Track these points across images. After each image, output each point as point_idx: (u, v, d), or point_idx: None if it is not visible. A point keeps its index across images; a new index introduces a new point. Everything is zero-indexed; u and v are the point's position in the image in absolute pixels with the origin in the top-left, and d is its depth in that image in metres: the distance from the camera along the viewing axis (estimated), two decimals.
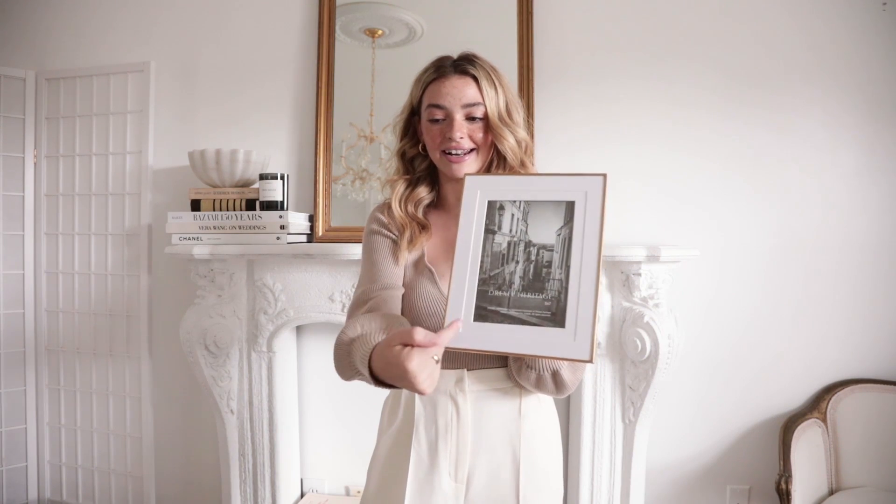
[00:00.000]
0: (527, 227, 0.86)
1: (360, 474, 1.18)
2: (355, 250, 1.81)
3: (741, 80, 1.94)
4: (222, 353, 1.96)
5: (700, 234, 1.96)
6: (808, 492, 1.76)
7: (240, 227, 1.92)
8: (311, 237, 2.05)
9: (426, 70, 1.07)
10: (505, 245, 0.86)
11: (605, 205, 0.83)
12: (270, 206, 1.91)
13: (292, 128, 2.13)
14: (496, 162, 1.08)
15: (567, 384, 0.97)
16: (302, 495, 2.18)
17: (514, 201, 0.88)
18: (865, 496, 1.76)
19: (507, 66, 1.92)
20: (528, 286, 0.83)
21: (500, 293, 0.84)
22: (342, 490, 2.18)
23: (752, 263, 1.96)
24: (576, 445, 1.92)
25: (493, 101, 1.03)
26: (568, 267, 0.82)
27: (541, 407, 1.09)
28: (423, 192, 1.12)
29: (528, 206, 0.87)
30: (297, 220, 1.96)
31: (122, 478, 2.24)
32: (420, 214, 1.11)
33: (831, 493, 1.82)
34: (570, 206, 0.84)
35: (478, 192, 0.90)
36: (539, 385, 0.98)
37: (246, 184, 2.00)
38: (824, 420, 1.87)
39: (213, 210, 1.95)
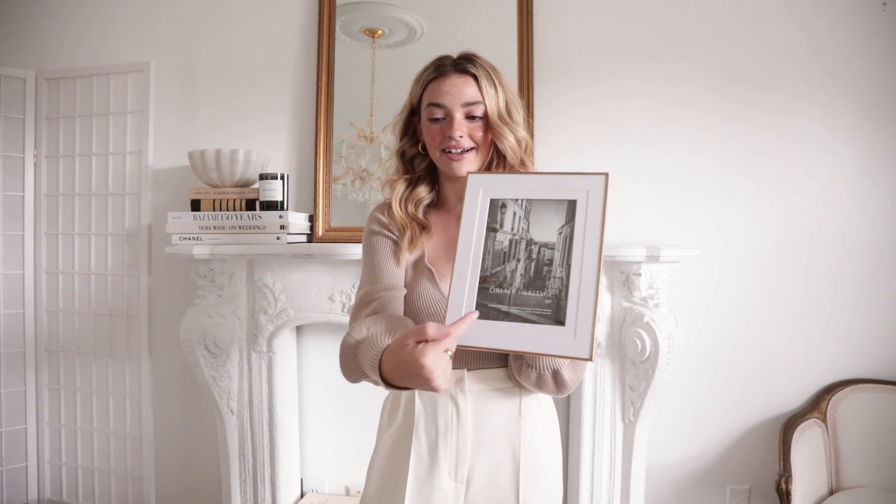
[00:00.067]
0: (528, 226, 0.86)
1: (360, 474, 1.18)
2: (355, 250, 1.81)
3: (741, 79, 1.94)
4: (222, 353, 1.96)
5: (700, 234, 1.96)
6: (808, 492, 1.76)
7: (240, 227, 1.92)
8: (311, 237, 2.05)
9: (426, 69, 1.07)
10: (506, 243, 0.87)
11: (607, 204, 0.83)
12: (270, 206, 1.91)
13: (292, 128, 2.13)
14: (496, 161, 1.08)
15: (567, 383, 0.97)
16: (302, 495, 2.18)
17: (516, 199, 0.88)
18: (865, 496, 1.76)
19: (507, 66, 1.92)
20: (529, 284, 0.83)
21: (501, 291, 0.84)
22: (342, 490, 2.18)
23: (752, 263, 1.96)
24: (576, 445, 1.92)
25: (492, 100, 1.03)
26: (569, 265, 0.82)
27: (540, 407, 1.09)
28: (423, 192, 1.12)
29: (529, 205, 0.87)
30: (297, 220, 1.96)
31: (122, 478, 2.24)
32: (420, 214, 1.11)
33: (831, 493, 1.82)
34: (571, 204, 0.85)
35: (480, 190, 0.90)
36: (539, 384, 0.97)
37: (246, 184, 2.00)
38: (824, 420, 1.87)
39: (213, 210, 1.95)
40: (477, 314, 0.83)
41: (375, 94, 2.06)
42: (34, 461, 2.30)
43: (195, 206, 1.96)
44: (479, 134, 1.04)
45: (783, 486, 1.64)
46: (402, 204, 1.10)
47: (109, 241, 2.21)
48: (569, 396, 1.93)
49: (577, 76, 2.00)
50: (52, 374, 2.29)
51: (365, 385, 0.98)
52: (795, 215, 1.94)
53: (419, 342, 0.76)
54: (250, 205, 1.95)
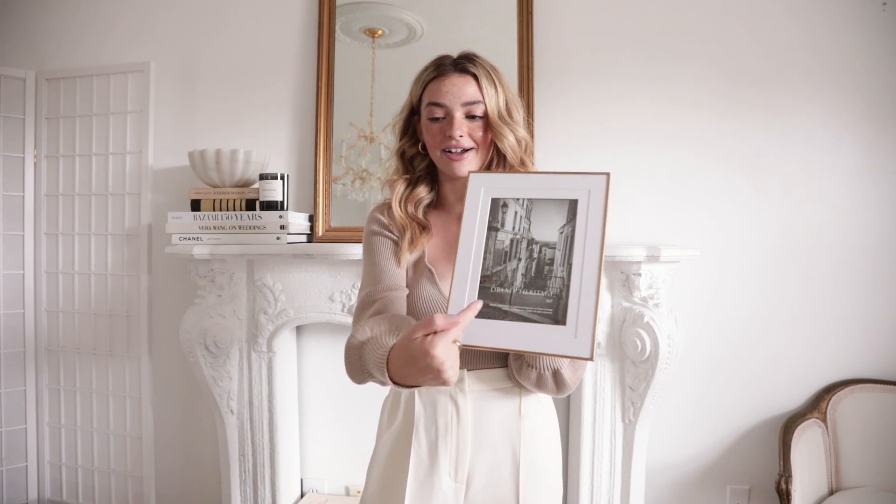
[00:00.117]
0: (530, 225, 0.86)
1: (360, 474, 1.18)
2: (355, 250, 1.81)
3: (741, 79, 1.94)
4: (222, 353, 1.96)
5: (700, 234, 1.96)
6: (808, 492, 1.76)
7: (240, 227, 1.92)
8: (311, 237, 2.05)
9: (426, 69, 1.07)
10: (508, 242, 0.87)
11: (608, 204, 0.83)
12: (270, 206, 1.91)
13: (292, 128, 2.13)
14: (496, 161, 1.08)
15: (567, 383, 0.97)
16: (302, 495, 2.18)
17: (518, 199, 0.88)
18: (865, 496, 1.76)
19: (507, 66, 1.92)
20: (530, 283, 0.83)
21: (502, 290, 0.84)
22: (342, 490, 2.18)
23: (752, 263, 1.96)
24: (576, 445, 1.92)
25: (493, 100, 1.03)
26: (570, 265, 0.82)
27: (540, 407, 1.09)
28: (423, 192, 1.12)
29: (531, 204, 0.87)
30: (297, 220, 1.96)
31: (122, 478, 2.24)
32: (420, 215, 1.11)
33: (831, 493, 1.82)
34: (573, 204, 0.85)
35: (481, 189, 0.90)
36: (539, 384, 0.97)
37: (246, 184, 2.00)
38: (824, 420, 1.87)
39: (213, 210, 1.95)
40: (481, 302, 0.83)
41: (375, 94, 2.06)
42: (34, 461, 2.30)
43: (195, 206, 1.96)
44: (479, 134, 1.04)
45: (783, 486, 1.64)
46: (402, 204, 1.10)
47: (109, 241, 2.21)
48: (569, 396, 1.93)
49: (577, 76, 2.00)
50: (52, 374, 2.29)
51: (365, 385, 0.98)
52: (795, 215, 1.94)
53: (427, 334, 0.76)
54: (250, 205, 1.95)
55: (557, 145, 1.99)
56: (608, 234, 0.82)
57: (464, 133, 1.02)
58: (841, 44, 1.90)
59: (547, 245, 0.84)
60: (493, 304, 0.84)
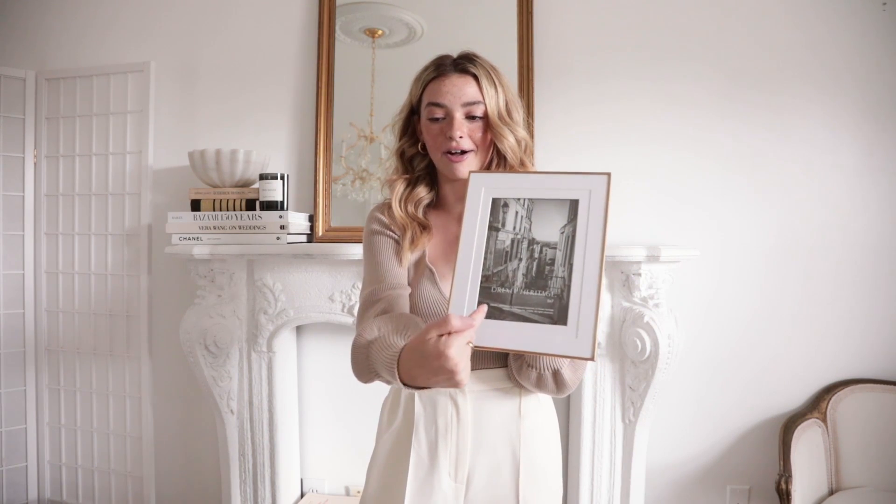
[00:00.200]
0: (530, 225, 0.86)
1: (360, 474, 1.18)
2: (355, 250, 1.81)
3: (741, 79, 1.94)
4: (222, 353, 1.96)
5: (700, 234, 1.96)
6: (808, 492, 1.76)
7: (240, 227, 1.92)
8: (311, 237, 2.05)
9: (426, 69, 1.07)
10: (508, 242, 0.86)
11: (609, 204, 0.83)
12: (270, 206, 1.91)
13: (292, 128, 2.13)
14: (496, 161, 1.08)
15: (568, 383, 0.96)
16: (302, 495, 2.18)
17: (519, 199, 0.88)
18: (865, 496, 1.76)
19: (507, 66, 1.92)
20: (531, 284, 0.83)
21: (503, 290, 0.84)
22: (342, 490, 2.18)
23: (751, 263, 1.96)
24: (576, 445, 1.92)
25: (493, 100, 1.03)
26: (571, 265, 0.82)
27: (540, 407, 1.09)
28: (423, 192, 1.12)
29: (531, 204, 0.87)
30: (297, 220, 1.96)
31: (122, 478, 2.24)
32: (420, 214, 1.11)
33: (831, 493, 1.83)
34: (573, 204, 0.84)
35: (482, 189, 0.90)
36: (539, 384, 0.97)
37: (246, 184, 2.00)
38: (824, 420, 1.87)
39: (213, 210, 1.95)
40: (486, 307, 0.83)
41: (375, 94, 2.06)
42: (34, 461, 2.30)
43: (195, 206, 1.96)
44: (478, 134, 1.04)
45: (783, 486, 1.65)
46: (402, 204, 1.10)
47: (109, 241, 2.21)
48: (569, 396, 1.93)
49: (577, 76, 2.00)
50: (52, 374, 2.29)
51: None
52: (795, 215, 1.94)
53: (441, 335, 0.76)
54: (250, 205, 1.95)
55: (557, 145, 1.99)
56: (609, 235, 0.82)
57: (464, 134, 1.02)
58: (841, 44, 1.90)
59: (548, 245, 0.84)
60: (494, 304, 0.84)
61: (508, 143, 1.04)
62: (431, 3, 2.04)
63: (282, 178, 1.92)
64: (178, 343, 1.95)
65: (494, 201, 0.89)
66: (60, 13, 2.26)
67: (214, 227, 1.93)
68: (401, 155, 1.13)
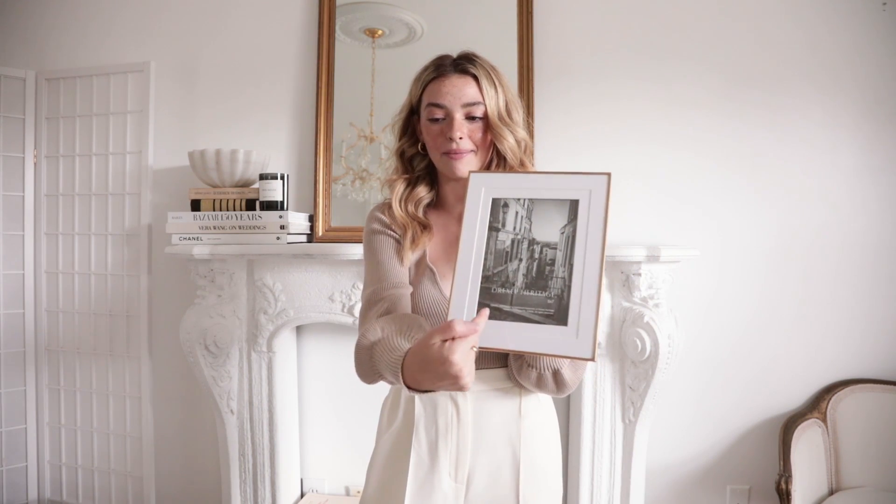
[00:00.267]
0: (531, 225, 0.86)
1: (360, 474, 1.18)
2: (355, 250, 1.81)
3: (741, 79, 1.94)
4: (222, 353, 1.96)
5: (700, 234, 1.96)
6: (808, 492, 1.76)
7: (240, 227, 1.92)
8: (311, 237, 2.05)
9: (426, 69, 1.07)
10: (508, 243, 0.86)
11: (609, 204, 0.83)
12: (270, 206, 1.91)
13: (292, 128, 2.13)
14: (496, 161, 1.08)
15: (568, 383, 0.96)
16: (302, 495, 2.18)
17: (519, 199, 0.88)
18: (865, 496, 1.76)
19: (507, 66, 1.92)
20: (532, 284, 0.83)
21: (504, 291, 0.84)
22: (342, 490, 2.18)
23: (751, 263, 1.96)
24: (576, 445, 1.92)
25: (493, 101, 1.03)
26: (571, 265, 0.82)
27: (540, 407, 1.09)
28: (423, 192, 1.12)
29: (532, 204, 0.87)
30: (297, 220, 1.96)
31: (122, 478, 2.24)
32: (420, 214, 1.11)
33: (831, 493, 1.83)
34: (573, 204, 0.84)
35: (482, 189, 0.90)
36: (540, 384, 0.97)
37: (246, 184, 2.00)
38: (824, 420, 1.87)
39: (213, 210, 1.95)
40: (487, 311, 0.83)
41: (375, 94, 2.06)
42: (34, 461, 2.30)
43: (195, 206, 1.96)
44: (478, 135, 1.04)
45: (783, 486, 1.65)
46: (402, 203, 1.10)
47: (109, 241, 2.21)
48: (569, 396, 1.93)
49: (578, 76, 2.00)
50: (52, 374, 2.29)
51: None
52: (795, 215, 1.94)
53: (445, 340, 0.76)
54: (250, 205, 1.95)
55: (557, 145, 1.99)
56: (609, 235, 0.82)
57: (463, 135, 1.02)
58: (841, 44, 1.90)
59: (548, 245, 0.84)
60: (495, 304, 0.84)
61: (508, 144, 1.04)
62: (431, 3, 2.04)
63: (282, 178, 1.92)
64: (178, 343, 1.95)
65: (494, 201, 0.89)
66: (60, 13, 2.26)
67: (214, 227, 1.93)
68: (401, 155, 1.13)
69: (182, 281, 2.14)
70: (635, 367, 1.81)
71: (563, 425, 1.69)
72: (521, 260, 0.85)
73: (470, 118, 1.03)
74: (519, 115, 1.07)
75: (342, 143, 2.06)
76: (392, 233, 1.08)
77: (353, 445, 2.13)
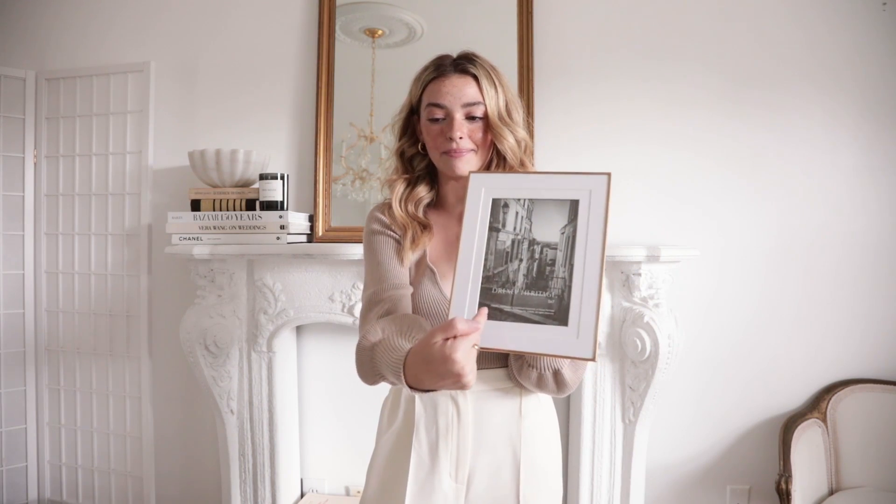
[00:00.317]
0: (531, 225, 0.86)
1: (360, 474, 1.18)
2: (355, 250, 1.81)
3: (741, 79, 1.94)
4: (222, 353, 1.96)
5: (700, 234, 1.96)
6: (808, 492, 1.76)
7: (240, 227, 1.92)
8: (311, 237, 2.05)
9: (426, 69, 1.07)
10: (509, 243, 0.86)
11: (609, 204, 0.83)
12: (270, 206, 1.91)
13: (292, 128, 2.13)
14: (496, 161, 1.08)
15: (568, 383, 0.97)
16: (302, 495, 2.18)
17: (519, 199, 0.88)
18: (865, 496, 1.76)
19: (507, 66, 1.92)
20: (532, 284, 0.83)
21: (504, 291, 0.84)
22: (342, 490, 2.18)
23: (752, 263, 1.96)
24: (576, 445, 1.92)
25: (493, 101, 1.03)
26: (571, 265, 0.82)
27: (540, 407, 1.09)
28: (423, 192, 1.12)
29: (532, 204, 0.87)
30: (297, 220, 1.96)
31: (122, 478, 2.24)
32: (420, 214, 1.11)
33: (831, 493, 1.83)
34: (574, 204, 0.84)
35: (482, 189, 0.90)
36: (540, 384, 0.97)
37: (246, 184, 2.00)
38: (824, 420, 1.87)
39: (213, 210, 1.95)
40: (486, 309, 0.83)
41: (375, 94, 2.06)
42: (34, 461, 2.30)
43: (195, 206, 1.96)
44: (479, 135, 1.04)
45: (783, 486, 1.65)
46: (402, 204, 1.10)
47: (109, 241, 2.20)
48: (569, 396, 1.93)
49: (577, 76, 2.00)
50: (52, 374, 2.29)
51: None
52: (795, 215, 1.94)
53: (446, 339, 0.76)
54: (250, 205, 1.95)
55: (557, 145, 1.99)
56: (609, 235, 0.82)
57: (464, 135, 1.02)
58: (841, 44, 1.90)
59: (548, 245, 0.84)
60: (495, 304, 0.84)
61: (508, 144, 1.04)
62: (431, 3, 2.04)
63: (282, 178, 1.92)
64: (178, 343, 1.95)
65: (494, 202, 0.89)
66: (60, 13, 2.26)
67: (214, 227, 1.93)
68: (401, 155, 1.13)
69: (182, 281, 2.14)
70: (635, 367, 1.81)
71: (563, 425, 1.69)
72: (521, 260, 0.85)
73: (470, 118, 1.03)
74: (519, 114, 1.07)
75: (342, 143, 2.06)
76: (392, 233, 1.08)
77: (353, 445, 2.13)
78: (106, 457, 2.26)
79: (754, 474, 1.98)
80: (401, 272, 1.05)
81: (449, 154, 1.03)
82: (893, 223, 1.91)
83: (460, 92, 1.02)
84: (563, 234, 0.84)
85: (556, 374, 0.95)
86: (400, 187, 1.11)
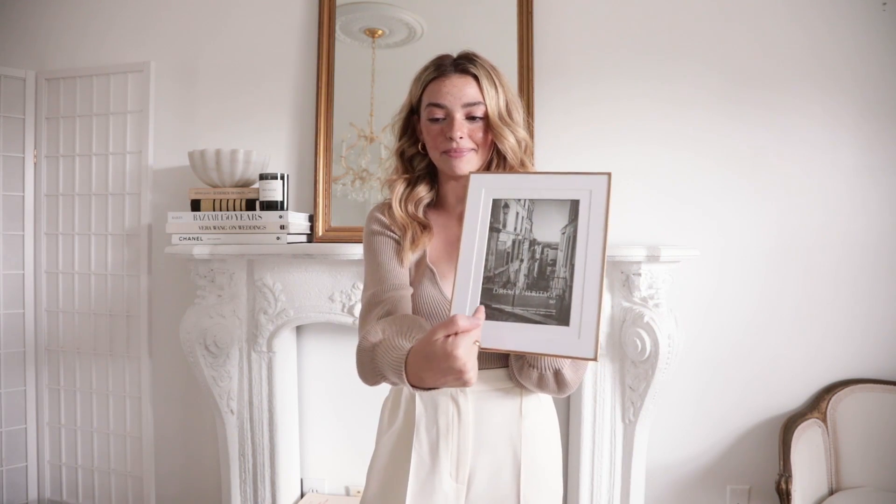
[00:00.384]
0: (531, 226, 0.86)
1: (360, 474, 1.18)
2: (355, 250, 1.81)
3: (741, 79, 1.94)
4: (222, 353, 1.96)
5: (700, 234, 1.96)
6: (808, 492, 1.76)
7: (240, 227, 1.92)
8: (311, 237, 2.05)
9: (426, 69, 1.07)
10: (509, 243, 0.86)
11: (610, 204, 0.83)
12: (270, 206, 1.91)
13: (292, 128, 2.13)
14: (496, 161, 1.08)
15: (569, 383, 0.97)
16: (302, 495, 2.18)
17: (519, 199, 0.88)
18: (865, 496, 1.76)
19: (507, 66, 1.92)
20: (533, 284, 0.83)
21: (505, 291, 0.84)
22: (342, 490, 2.18)
23: (752, 263, 1.96)
24: (576, 445, 1.92)
25: (493, 101, 1.03)
26: (572, 265, 0.82)
27: (541, 407, 1.09)
28: (423, 192, 1.12)
29: (532, 205, 0.87)
30: (297, 220, 1.96)
31: (122, 478, 2.24)
32: (420, 214, 1.11)
33: (831, 493, 1.83)
34: (574, 204, 0.84)
35: (482, 189, 0.90)
36: (541, 384, 0.97)
37: (246, 184, 2.00)
38: (824, 420, 1.87)
39: (213, 210, 1.95)
40: (483, 308, 0.83)
41: (375, 94, 2.06)
42: (34, 461, 2.30)
43: (195, 206, 1.96)
44: (479, 135, 1.04)
45: (783, 486, 1.65)
46: (402, 204, 1.10)
47: (109, 241, 2.20)
48: (569, 396, 1.92)
49: (577, 76, 2.00)
50: (52, 374, 2.29)
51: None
52: (795, 215, 1.94)
53: (448, 336, 0.76)
54: (250, 205, 1.95)
55: (557, 145, 1.99)
56: (609, 235, 0.82)
57: (464, 135, 1.02)
58: (841, 44, 1.90)
59: (549, 246, 0.84)
60: (496, 305, 0.84)
61: (509, 144, 1.04)
62: (431, 3, 2.04)
63: (282, 178, 1.92)
64: (178, 343, 1.95)
65: (495, 202, 0.89)
66: (60, 13, 2.26)
67: (214, 227, 1.93)
68: (401, 155, 1.13)
69: (182, 281, 2.13)
70: (635, 367, 1.81)
71: (563, 425, 1.69)
72: (522, 260, 0.85)
73: (470, 118, 1.03)
74: (519, 114, 1.07)
75: (342, 143, 2.06)
76: (392, 233, 1.08)
77: (353, 445, 2.13)
78: (106, 457, 2.25)
79: (754, 474, 1.98)
80: (401, 273, 1.05)
81: (449, 154, 1.03)
82: (893, 223, 1.91)
83: (460, 92, 1.02)
84: (563, 234, 0.84)
85: (557, 374, 0.95)
86: (400, 187, 1.11)
